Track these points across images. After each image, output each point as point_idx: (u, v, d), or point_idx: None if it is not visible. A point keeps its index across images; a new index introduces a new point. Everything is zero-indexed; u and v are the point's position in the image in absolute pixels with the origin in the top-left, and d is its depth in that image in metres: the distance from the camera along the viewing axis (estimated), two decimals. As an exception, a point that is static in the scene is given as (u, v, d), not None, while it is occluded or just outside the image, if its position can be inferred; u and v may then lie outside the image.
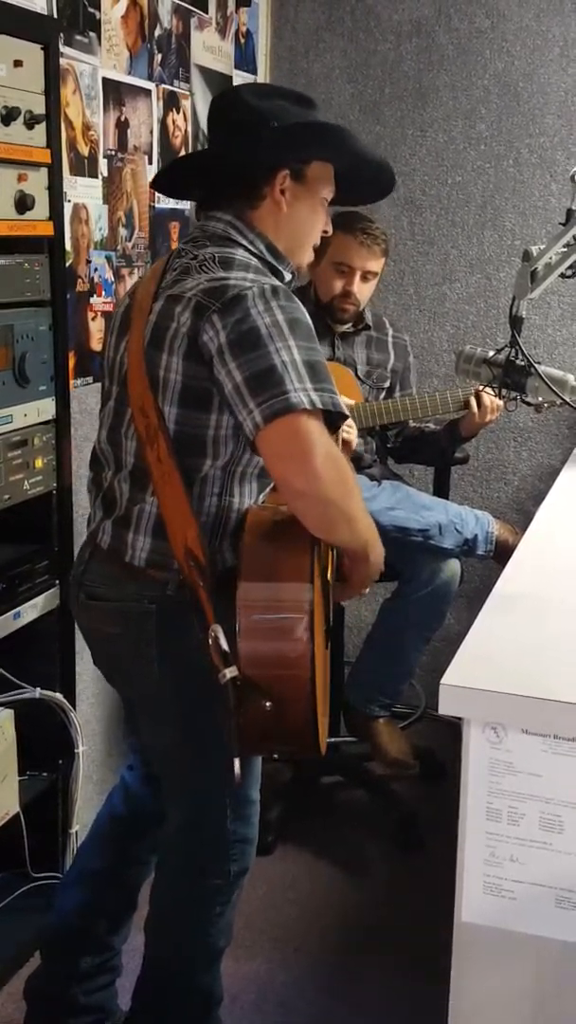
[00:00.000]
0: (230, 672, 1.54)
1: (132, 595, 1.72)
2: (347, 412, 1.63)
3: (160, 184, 1.95)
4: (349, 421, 2.22)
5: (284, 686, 1.57)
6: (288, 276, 1.79)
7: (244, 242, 1.74)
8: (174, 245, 2.85)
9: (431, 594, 2.80)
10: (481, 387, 2.69)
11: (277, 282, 1.66)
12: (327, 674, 1.83)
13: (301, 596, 1.58)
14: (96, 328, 2.50)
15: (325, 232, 1.84)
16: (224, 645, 1.55)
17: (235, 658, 1.55)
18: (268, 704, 1.56)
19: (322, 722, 1.65)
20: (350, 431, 2.24)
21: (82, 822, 2.52)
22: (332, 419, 1.61)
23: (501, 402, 2.78)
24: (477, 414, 2.78)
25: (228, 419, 1.64)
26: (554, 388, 1.84)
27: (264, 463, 1.63)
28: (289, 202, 1.75)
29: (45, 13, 2.18)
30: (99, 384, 2.47)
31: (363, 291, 2.83)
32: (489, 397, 2.77)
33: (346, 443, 2.21)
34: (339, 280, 2.80)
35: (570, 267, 1.86)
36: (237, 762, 1.55)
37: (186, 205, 2.84)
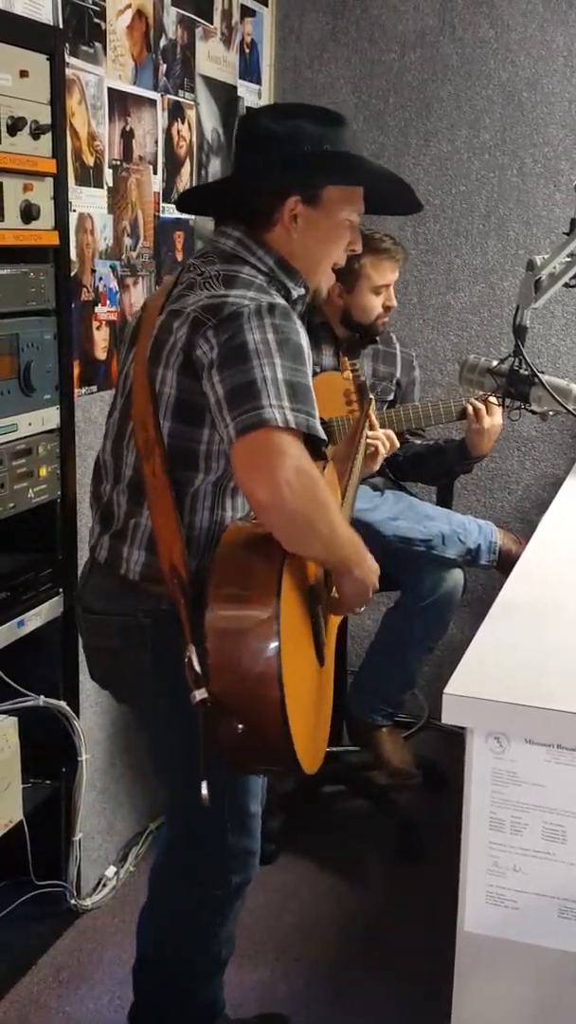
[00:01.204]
0: (200, 694, 1.53)
1: (128, 609, 1.72)
2: (323, 436, 1.61)
3: (183, 205, 2.04)
4: (379, 432, 2.19)
5: (255, 709, 1.53)
6: (297, 293, 1.78)
7: (252, 259, 1.74)
8: (179, 255, 2.86)
9: (434, 604, 2.79)
10: (485, 396, 2.69)
11: (278, 300, 1.66)
12: (320, 692, 1.79)
13: (267, 614, 1.53)
14: (100, 337, 2.51)
15: (352, 250, 1.83)
16: (196, 666, 1.54)
17: (206, 680, 1.53)
18: (240, 727, 1.53)
19: (303, 743, 1.60)
20: (377, 441, 2.19)
21: (85, 830, 2.52)
22: (315, 443, 1.60)
23: (500, 421, 2.78)
24: (476, 422, 2.78)
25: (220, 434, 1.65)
26: (557, 398, 1.84)
27: (234, 475, 1.62)
28: (301, 228, 1.74)
29: (51, 24, 2.19)
30: (103, 393, 2.49)
31: (393, 299, 2.89)
32: (490, 408, 2.77)
33: (374, 454, 2.18)
34: (378, 299, 2.84)
35: (574, 277, 1.87)
36: (205, 784, 1.52)
37: (191, 216, 2.85)
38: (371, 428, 2.17)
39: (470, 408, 2.79)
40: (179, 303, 1.66)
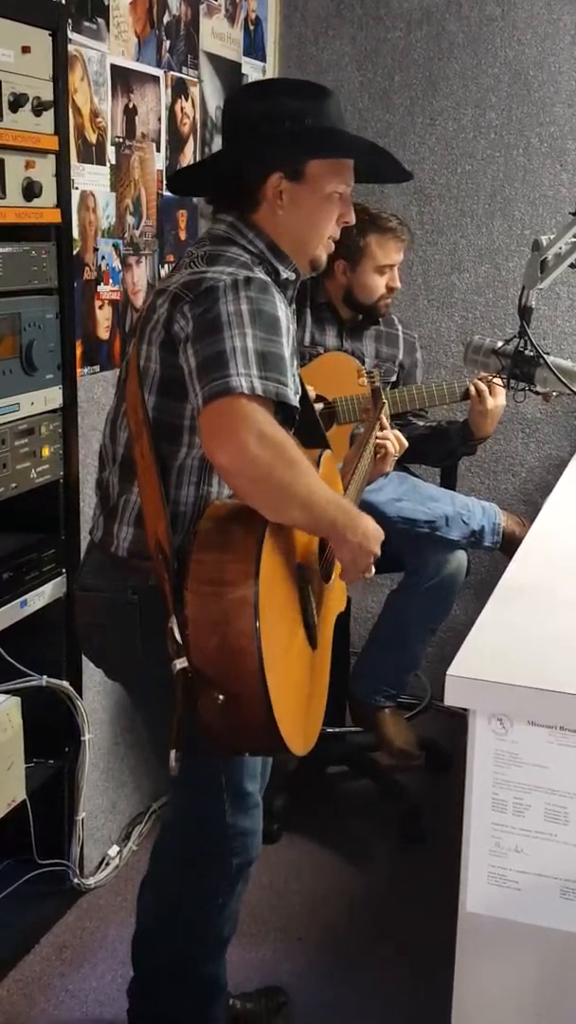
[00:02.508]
0: (180, 663, 1.53)
1: (117, 586, 1.74)
2: (295, 403, 1.61)
3: (175, 186, 2.06)
4: (388, 432, 2.17)
5: (234, 680, 1.52)
6: (286, 275, 1.79)
7: (242, 241, 1.76)
8: (182, 234, 2.84)
9: (437, 585, 2.79)
10: (490, 377, 2.68)
11: (258, 275, 1.66)
12: (313, 674, 1.78)
13: (244, 584, 1.52)
14: (103, 316, 2.50)
15: (345, 222, 1.83)
16: (178, 636, 1.54)
17: (185, 649, 1.53)
18: (220, 697, 1.52)
19: (290, 721, 1.59)
20: (386, 441, 2.15)
21: (88, 809, 2.53)
22: (288, 412, 1.60)
23: (503, 402, 2.77)
24: (479, 403, 2.77)
25: None
26: (563, 379, 1.83)
27: (201, 443, 1.62)
28: (287, 204, 1.75)
29: (53, -1, 2.17)
30: (106, 372, 2.48)
31: (398, 280, 2.87)
32: (492, 389, 2.76)
33: (385, 456, 2.15)
34: (382, 279, 2.84)
35: (580, 257, 1.85)
36: (173, 754, 1.52)
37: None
38: (381, 428, 2.16)
39: (473, 389, 2.78)
40: (164, 283, 1.70)
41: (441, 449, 2.98)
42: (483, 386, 2.76)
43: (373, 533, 1.73)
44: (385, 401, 2.23)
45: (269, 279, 1.68)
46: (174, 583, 1.57)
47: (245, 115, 1.76)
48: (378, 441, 2.13)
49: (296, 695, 1.67)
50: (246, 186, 1.76)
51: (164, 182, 2.72)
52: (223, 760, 1.76)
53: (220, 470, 1.58)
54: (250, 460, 1.51)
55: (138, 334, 1.71)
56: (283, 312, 1.64)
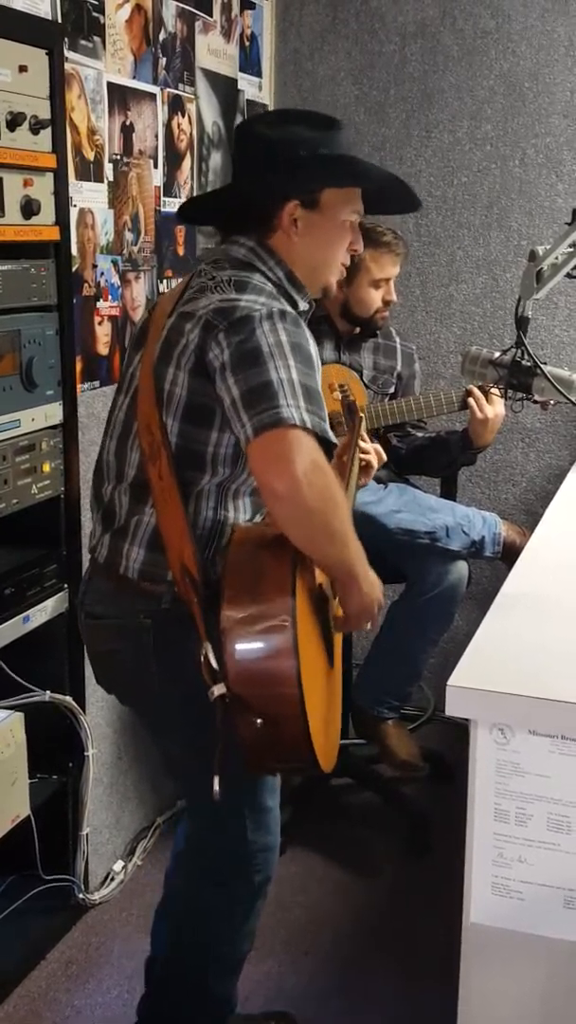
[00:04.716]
0: (218, 689, 1.53)
1: (128, 611, 1.72)
2: (335, 441, 1.62)
3: (186, 216, 2.04)
4: (369, 447, 2.19)
5: (274, 703, 1.54)
6: (303, 306, 1.80)
7: (264, 268, 1.76)
8: (180, 249, 2.86)
9: (439, 596, 2.80)
10: (488, 387, 2.69)
11: (287, 307, 1.68)
12: (331, 692, 1.80)
13: (282, 611, 1.54)
14: (103, 332, 2.51)
15: (355, 250, 1.85)
16: (213, 663, 1.54)
17: (224, 675, 1.54)
18: (259, 721, 1.53)
19: (321, 739, 1.61)
20: (369, 456, 2.19)
21: (92, 824, 2.53)
22: (324, 446, 1.60)
23: (502, 410, 2.78)
24: (478, 411, 2.78)
25: (228, 438, 1.66)
26: (560, 388, 1.84)
27: (252, 472, 1.63)
28: (301, 231, 1.76)
29: (49, 18, 2.19)
30: (106, 388, 2.49)
31: (393, 293, 2.88)
32: (490, 398, 2.77)
33: (366, 468, 2.17)
34: (377, 293, 2.85)
35: (575, 267, 1.86)
36: (217, 780, 1.52)
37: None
38: (362, 440, 2.17)
39: (472, 399, 2.79)
40: (190, 306, 1.67)
41: (441, 459, 2.99)
42: (479, 394, 2.77)
43: (378, 584, 1.74)
44: (362, 416, 2.25)
45: (296, 313, 1.69)
46: (204, 607, 1.58)
47: (261, 143, 1.77)
48: (361, 456, 2.15)
49: (322, 713, 1.68)
50: (261, 213, 1.77)
51: (162, 198, 2.74)
52: (245, 778, 1.76)
53: (272, 497, 1.56)
54: (304, 491, 1.52)
55: (158, 355, 1.68)
56: (314, 349, 1.66)
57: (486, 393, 2.77)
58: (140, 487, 1.72)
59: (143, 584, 1.71)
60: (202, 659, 1.55)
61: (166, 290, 2.69)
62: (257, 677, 1.54)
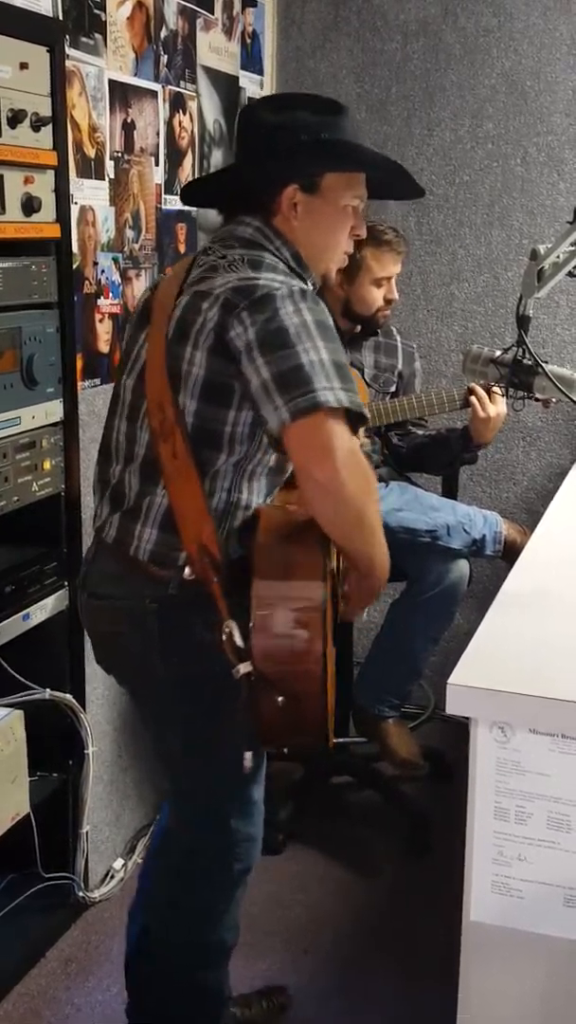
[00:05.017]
0: (244, 667, 1.57)
1: (135, 593, 1.72)
2: (368, 415, 1.65)
3: (188, 197, 2.06)
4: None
5: (296, 681, 1.59)
6: (309, 287, 1.78)
7: (271, 247, 1.75)
8: (181, 247, 2.86)
9: (440, 595, 2.79)
10: (490, 386, 2.68)
11: (305, 285, 1.68)
12: (332, 669, 1.84)
13: (314, 594, 1.60)
14: (103, 330, 2.51)
15: (357, 235, 1.84)
16: (239, 641, 1.57)
17: (250, 653, 1.57)
18: (280, 699, 1.58)
19: (331, 716, 1.67)
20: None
21: (92, 822, 2.53)
22: (353, 421, 1.61)
23: (503, 409, 2.78)
24: (480, 410, 2.78)
25: (246, 416, 1.66)
26: (561, 387, 1.83)
27: (291, 458, 1.64)
28: (301, 216, 1.76)
29: (50, 15, 2.19)
30: (107, 386, 2.48)
31: (395, 291, 2.88)
32: (492, 396, 2.76)
33: None
34: (379, 292, 2.84)
35: (577, 266, 1.86)
36: (249, 755, 1.58)
37: (193, 208, 2.84)
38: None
39: (474, 398, 2.78)
40: (204, 284, 1.67)
41: (442, 457, 2.99)
42: (482, 392, 2.77)
43: (386, 576, 1.75)
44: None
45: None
46: (225, 587, 1.61)
47: (262, 127, 1.77)
48: None
49: (331, 689, 1.72)
50: (262, 197, 1.77)
51: (163, 196, 2.73)
52: (232, 765, 1.76)
53: (311, 484, 1.59)
54: (345, 481, 1.56)
55: (172, 334, 1.67)
56: (332, 322, 1.66)
57: (488, 392, 2.77)
58: (151, 466, 1.70)
59: (151, 568, 1.70)
60: (224, 638, 1.58)
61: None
62: (284, 656, 1.59)
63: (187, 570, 1.67)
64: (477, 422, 2.80)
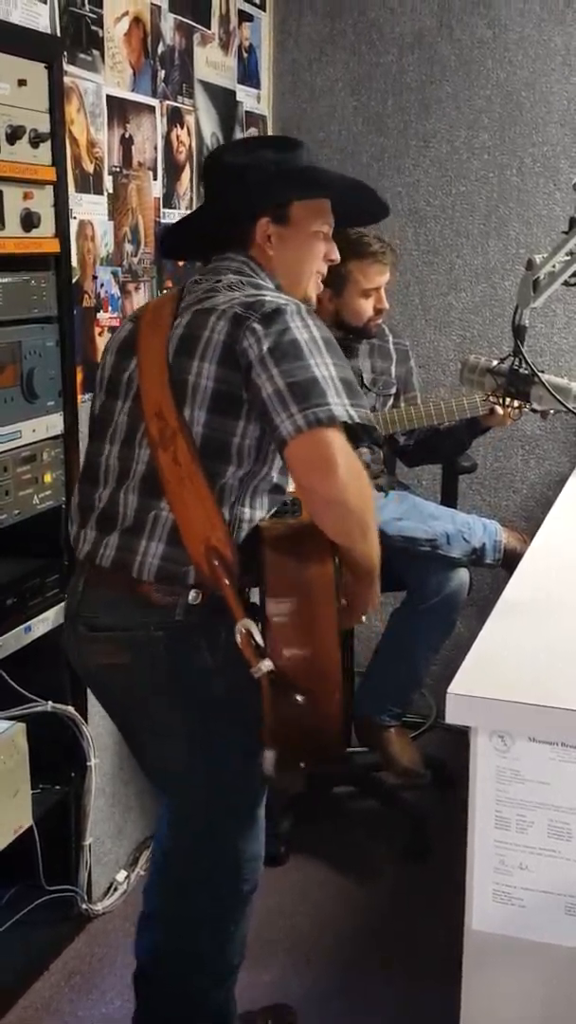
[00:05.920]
0: (266, 665, 1.58)
1: (138, 623, 1.69)
2: (379, 428, 1.69)
3: (168, 251, 2.13)
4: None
5: (314, 681, 1.62)
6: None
7: (259, 280, 1.80)
8: (179, 261, 2.87)
9: (440, 604, 2.80)
10: (485, 396, 2.69)
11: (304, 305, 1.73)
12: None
13: (328, 594, 1.64)
14: (103, 343, 2.52)
15: (331, 260, 1.91)
16: (259, 639, 1.59)
17: (269, 653, 1.59)
18: (300, 699, 1.60)
19: (346, 716, 1.73)
20: None
21: (95, 835, 2.53)
22: (356, 433, 1.65)
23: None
24: (500, 411, 2.77)
25: (254, 429, 1.67)
26: (557, 396, 1.84)
27: (291, 470, 1.67)
28: (276, 246, 1.83)
29: (48, 32, 2.20)
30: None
31: (385, 301, 2.88)
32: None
33: None
34: (368, 302, 2.84)
35: (574, 275, 1.87)
36: (270, 755, 1.60)
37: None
38: None
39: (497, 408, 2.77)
40: (206, 303, 1.70)
41: (447, 444, 3.02)
42: (500, 410, 2.77)
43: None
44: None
45: None
46: (238, 587, 1.63)
47: (231, 167, 1.85)
48: None
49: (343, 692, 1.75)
50: (238, 233, 1.83)
51: (161, 210, 2.75)
52: (236, 787, 1.77)
53: (318, 499, 1.62)
54: (348, 494, 1.60)
55: (175, 349, 1.69)
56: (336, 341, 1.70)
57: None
58: (151, 479, 1.69)
59: (155, 593, 1.68)
60: (241, 638, 1.60)
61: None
62: (303, 659, 1.62)
63: (192, 593, 1.66)
64: (494, 419, 2.81)
